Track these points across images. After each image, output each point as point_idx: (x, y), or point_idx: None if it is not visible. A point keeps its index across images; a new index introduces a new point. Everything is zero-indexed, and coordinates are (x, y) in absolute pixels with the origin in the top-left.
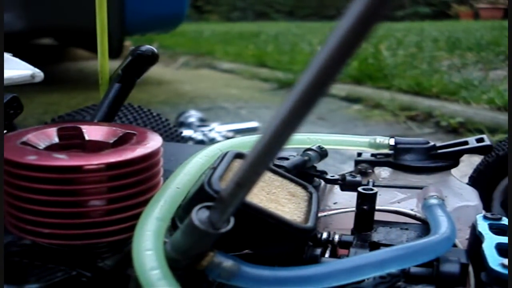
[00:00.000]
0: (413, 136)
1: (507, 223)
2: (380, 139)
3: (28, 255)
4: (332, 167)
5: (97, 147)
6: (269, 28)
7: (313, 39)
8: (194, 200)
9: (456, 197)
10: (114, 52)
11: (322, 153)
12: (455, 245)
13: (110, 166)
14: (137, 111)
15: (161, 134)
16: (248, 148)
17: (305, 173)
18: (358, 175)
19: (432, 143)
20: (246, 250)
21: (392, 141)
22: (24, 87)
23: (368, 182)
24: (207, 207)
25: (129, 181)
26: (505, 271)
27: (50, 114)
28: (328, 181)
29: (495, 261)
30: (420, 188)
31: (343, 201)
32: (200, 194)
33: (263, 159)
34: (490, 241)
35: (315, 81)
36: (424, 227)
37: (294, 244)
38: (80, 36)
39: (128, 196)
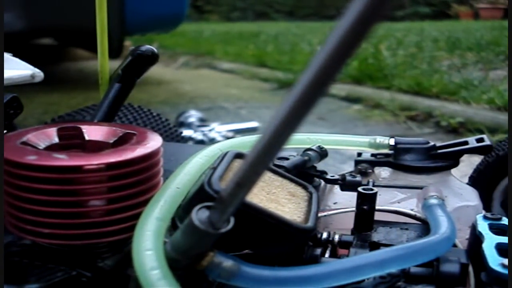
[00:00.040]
0: (413, 136)
1: (507, 223)
2: (380, 139)
3: (28, 255)
4: (332, 167)
5: (97, 147)
6: (269, 28)
7: (313, 39)
8: (194, 200)
9: (456, 197)
10: (114, 52)
11: (322, 153)
12: (455, 245)
13: (110, 166)
14: (137, 111)
15: (161, 134)
16: (248, 148)
17: (305, 173)
18: (358, 175)
19: (432, 143)
20: (246, 250)
21: (392, 141)
22: (24, 87)
23: (368, 182)
24: (207, 207)
25: (129, 181)
26: (505, 271)
27: (50, 114)
28: (328, 181)
29: (495, 261)
30: (420, 188)
31: (343, 201)
32: (200, 194)
33: (263, 159)
34: (490, 241)
35: (315, 81)
36: (424, 227)
37: (294, 244)
38: (80, 36)
39: (128, 196)
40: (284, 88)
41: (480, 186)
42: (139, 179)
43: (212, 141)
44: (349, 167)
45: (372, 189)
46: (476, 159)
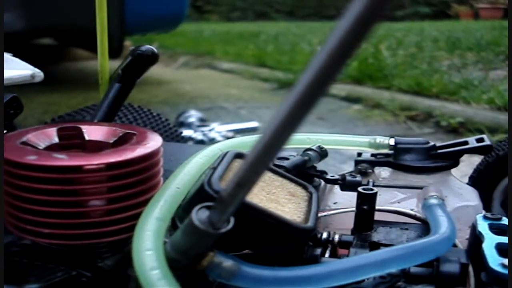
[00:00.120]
0: (413, 136)
1: (507, 223)
2: (380, 139)
3: (28, 255)
4: (332, 167)
5: (97, 147)
6: (269, 28)
7: (313, 39)
8: (194, 200)
9: (456, 197)
10: (114, 52)
11: (322, 153)
12: (455, 245)
13: (110, 166)
14: (137, 111)
15: (161, 134)
16: (248, 148)
17: (305, 173)
18: (358, 175)
19: (432, 143)
20: (246, 250)
21: (392, 141)
22: (24, 87)
23: (368, 182)
24: (207, 207)
25: (129, 181)
26: (505, 271)
27: (50, 114)
28: (328, 181)
29: (495, 261)
30: (420, 188)
31: (343, 201)
32: (200, 194)
33: (263, 159)
34: (490, 241)
35: (315, 81)
36: (424, 227)
37: (294, 244)
38: (80, 36)
39: (128, 196)
40: (284, 88)
41: (480, 186)
42: (139, 179)
43: (212, 141)
44: (349, 167)
45: (372, 189)
46: (476, 159)
